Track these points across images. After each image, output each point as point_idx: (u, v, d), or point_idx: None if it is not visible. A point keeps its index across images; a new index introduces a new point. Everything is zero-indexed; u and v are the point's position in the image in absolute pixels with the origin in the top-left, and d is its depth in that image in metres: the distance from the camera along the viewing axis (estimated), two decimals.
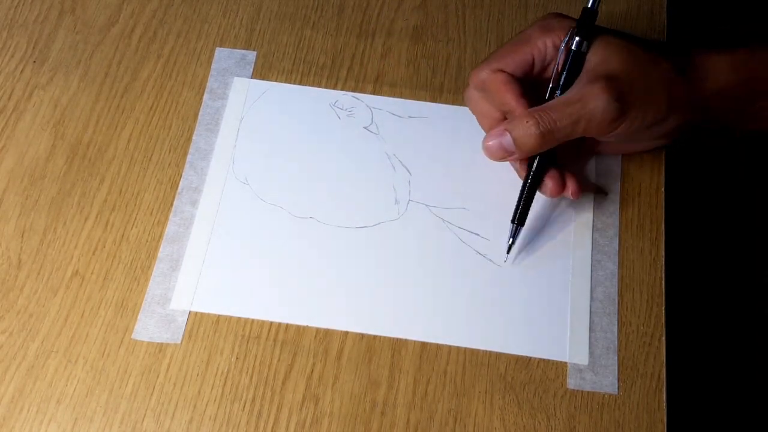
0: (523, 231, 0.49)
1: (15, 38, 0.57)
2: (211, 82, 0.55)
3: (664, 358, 0.46)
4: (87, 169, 0.52)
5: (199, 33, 0.57)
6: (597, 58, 0.46)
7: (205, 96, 0.54)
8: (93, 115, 0.54)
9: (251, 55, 0.56)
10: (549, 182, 0.48)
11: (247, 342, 0.46)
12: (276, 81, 0.55)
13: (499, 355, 0.46)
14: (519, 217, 0.48)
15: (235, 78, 0.55)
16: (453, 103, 0.54)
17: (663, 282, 0.48)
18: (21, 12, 0.58)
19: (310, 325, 0.47)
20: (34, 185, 0.51)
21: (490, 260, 0.49)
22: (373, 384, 0.45)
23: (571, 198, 0.48)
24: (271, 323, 0.47)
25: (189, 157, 0.52)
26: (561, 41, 0.47)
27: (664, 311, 0.47)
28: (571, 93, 0.45)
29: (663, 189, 0.51)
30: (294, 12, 0.58)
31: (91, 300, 0.47)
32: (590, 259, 0.49)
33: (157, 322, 0.47)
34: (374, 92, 0.54)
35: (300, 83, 0.55)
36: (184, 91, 0.55)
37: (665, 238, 0.49)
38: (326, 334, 0.46)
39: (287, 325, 0.47)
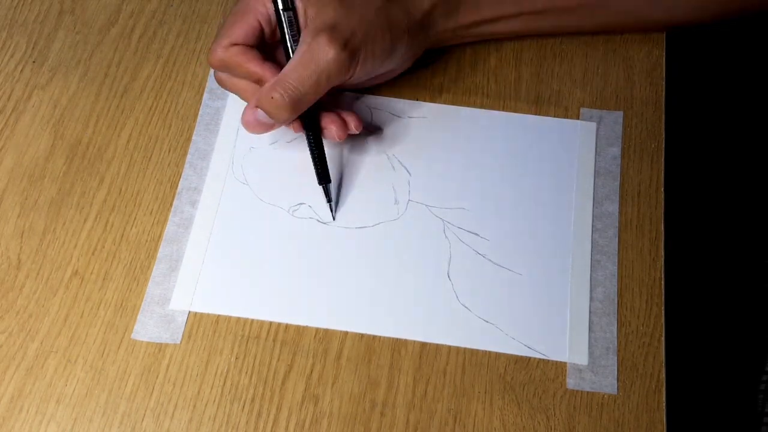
0: (523, 231, 0.49)
1: (15, 38, 0.57)
2: (211, 82, 0.55)
3: (663, 358, 0.46)
4: (86, 169, 0.52)
5: (199, 33, 0.57)
6: (312, 10, 0.46)
7: (205, 96, 0.54)
8: (92, 115, 0.54)
9: None
10: (331, 127, 0.48)
11: (247, 342, 0.46)
12: None
13: (498, 355, 0.46)
14: (321, 176, 0.49)
15: None
16: (453, 103, 0.54)
17: (662, 282, 0.48)
18: (21, 12, 0.58)
19: (309, 325, 0.47)
20: (34, 185, 0.51)
21: (490, 260, 0.49)
22: (372, 384, 0.45)
23: (356, 131, 0.49)
24: (271, 323, 0.47)
25: (189, 157, 0.52)
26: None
27: (663, 311, 0.47)
28: (301, 53, 0.45)
29: (663, 189, 0.51)
30: None
31: (90, 300, 0.47)
32: (590, 260, 0.49)
33: (157, 322, 0.47)
34: (374, 92, 0.54)
35: None
36: (184, 91, 0.55)
37: (665, 237, 0.50)
38: (326, 334, 0.46)
39: (287, 325, 0.47)
